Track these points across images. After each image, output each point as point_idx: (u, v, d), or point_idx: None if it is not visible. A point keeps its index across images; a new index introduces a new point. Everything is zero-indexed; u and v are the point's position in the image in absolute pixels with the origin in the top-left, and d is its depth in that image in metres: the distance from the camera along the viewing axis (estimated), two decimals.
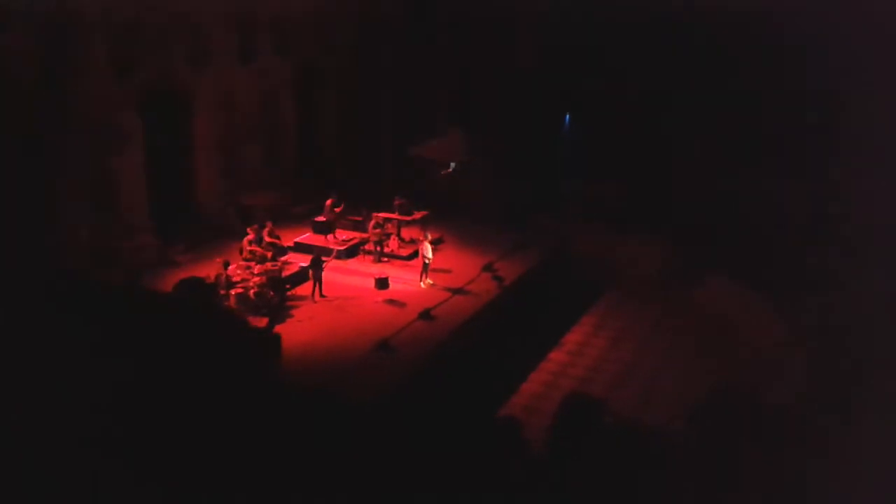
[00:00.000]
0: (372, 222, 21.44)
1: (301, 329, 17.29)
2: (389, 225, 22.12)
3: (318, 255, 19.18)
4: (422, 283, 19.87)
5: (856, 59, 20.69)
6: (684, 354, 19.04)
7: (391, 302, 18.98)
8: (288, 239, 21.40)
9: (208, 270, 18.41)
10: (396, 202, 22.67)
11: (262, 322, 17.16)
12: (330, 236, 21.80)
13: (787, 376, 16.29)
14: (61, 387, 8.44)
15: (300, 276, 19.46)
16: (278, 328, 17.16)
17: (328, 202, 22.24)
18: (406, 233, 22.84)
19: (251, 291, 17.66)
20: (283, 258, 19.98)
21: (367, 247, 21.64)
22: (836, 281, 17.86)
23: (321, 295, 18.79)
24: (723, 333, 20.05)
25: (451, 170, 28.77)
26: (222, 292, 17.72)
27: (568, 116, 36.73)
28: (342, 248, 21.22)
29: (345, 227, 22.35)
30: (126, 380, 8.72)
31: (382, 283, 19.51)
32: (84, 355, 8.86)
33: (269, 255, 19.33)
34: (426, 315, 18.12)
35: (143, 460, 7.89)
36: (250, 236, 19.53)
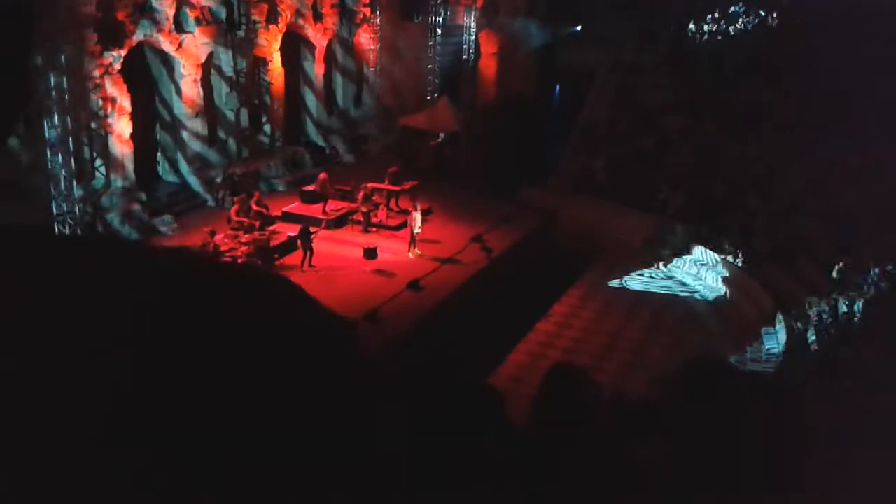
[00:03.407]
0: (361, 192, 21.35)
1: None
2: (378, 195, 22.04)
3: (307, 226, 19.13)
4: (410, 254, 19.89)
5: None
6: (669, 327, 19.23)
7: (379, 272, 18.98)
8: (276, 208, 21.31)
9: (195, 240, 18.34)
10: (390, 170, 22.53)
11: None
12: (320, 206, 21.71)
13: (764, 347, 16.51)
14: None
15: (288, 246, 19.42)
16: None
17: (321, 175, 22.12)
18: (394, 203, 22.74)
19: (239, 260, 17.61)
20: (270, 228, 19.92)
21: (355, 217, 21.59)
22: (821, 257, 18.03)
23: (310, 265, 18.77)
24: (708, 306, 20.26)
25: (439, 140, 28.69)
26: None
27: (558, 88, 36.49)
28: (331, 218, 21.17)
29: (334, 197, 22.25)
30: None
31: (371, 254, 19.50)
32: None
33: (257, 224, 19.28)
34: (414, 285, 18.16)
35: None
36: (237, 206, 19.45)
